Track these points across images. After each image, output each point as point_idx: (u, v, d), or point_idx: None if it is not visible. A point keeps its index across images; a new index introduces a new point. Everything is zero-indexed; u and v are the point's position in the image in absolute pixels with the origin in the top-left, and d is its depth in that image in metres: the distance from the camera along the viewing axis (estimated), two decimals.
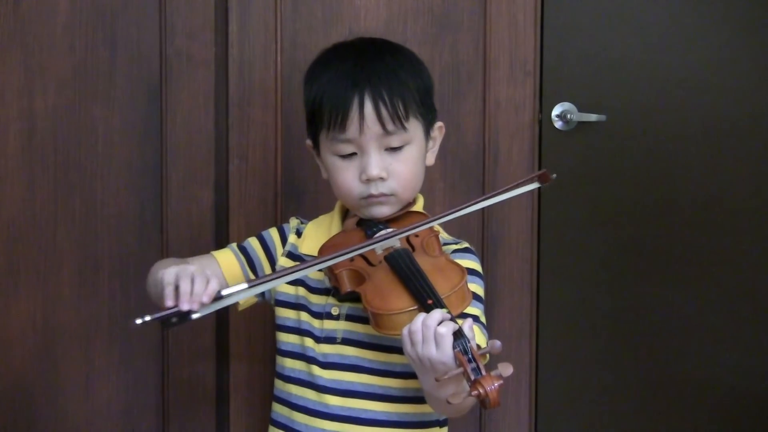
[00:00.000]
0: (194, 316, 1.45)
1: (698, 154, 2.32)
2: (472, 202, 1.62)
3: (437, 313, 1.43)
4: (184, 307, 1.44)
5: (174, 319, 1.44)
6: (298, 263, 1.67)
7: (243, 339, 2.13)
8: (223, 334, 2.14)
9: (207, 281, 1.47)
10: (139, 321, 1.42)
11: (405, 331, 1.45)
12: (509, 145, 2.18)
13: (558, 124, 2.26)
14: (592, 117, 2.26)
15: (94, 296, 2.12)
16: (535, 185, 1.61)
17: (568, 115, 2.25)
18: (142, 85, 2.10)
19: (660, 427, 2.35)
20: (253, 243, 1.78)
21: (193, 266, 1.50)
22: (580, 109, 2.26)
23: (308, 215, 1.83)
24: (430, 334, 1.42)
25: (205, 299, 1.45)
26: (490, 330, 2.18)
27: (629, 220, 2.32)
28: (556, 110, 2.25)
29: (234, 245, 1.79)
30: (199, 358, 2.14)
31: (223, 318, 2.12)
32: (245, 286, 1.49)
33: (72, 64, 2.09)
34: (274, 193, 2.12)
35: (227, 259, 1.76)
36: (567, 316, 2.31)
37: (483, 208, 2.17)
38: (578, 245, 2.31)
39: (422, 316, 1.44)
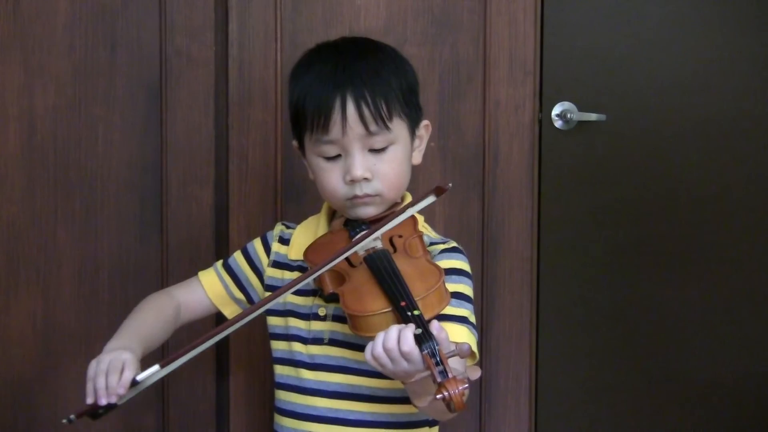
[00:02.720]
0: (119, 402, 1.50)
1: (698, 153, 2.32)
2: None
3: (393, 333, 1.41)
4: (102, 402, 1.49)
5: (101, 410, 1.50)
6: (286, 280, 1.68)
7: (243, 340, 2.13)
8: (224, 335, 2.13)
9: (120, 372, 1.50)
10: (64, 421, 1.50)
11: (368, 355, 1.43)
12: (509, 145, 2.18)
13: (558, 123, 2.26)
14: (592, 116, 2.26)
15: (94, 296, 2.12)
16: (432, 198, 1.50)
17: (568, 115, 2.24)
18: (142, 85, 2.10)
19: (660, 427, 2.35)
20: (238, 259, 1.78)
21: (110, 356, 1.53)
22: (581, 109, 2.26)
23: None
24: (396, 355, 1.40)
25: (121, 391, 1.49)
26: (491, 330, 2.20)
27: (629, 220, 2.32)
28: (556, 110, 2.25)
29: (219, 264, 1.80)
30: (199, 358, 2.12)
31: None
32: (157, 368, 1.52)
33: (72, 64, 2.08)
34: (274, 193, 2.12)
35: (210, 280, 1.78)
36: (567, 315, 2.31)
37: (483, 208, 2.18)
38: (578, 245, 2.31)
39: (381, 336, 1.42)
